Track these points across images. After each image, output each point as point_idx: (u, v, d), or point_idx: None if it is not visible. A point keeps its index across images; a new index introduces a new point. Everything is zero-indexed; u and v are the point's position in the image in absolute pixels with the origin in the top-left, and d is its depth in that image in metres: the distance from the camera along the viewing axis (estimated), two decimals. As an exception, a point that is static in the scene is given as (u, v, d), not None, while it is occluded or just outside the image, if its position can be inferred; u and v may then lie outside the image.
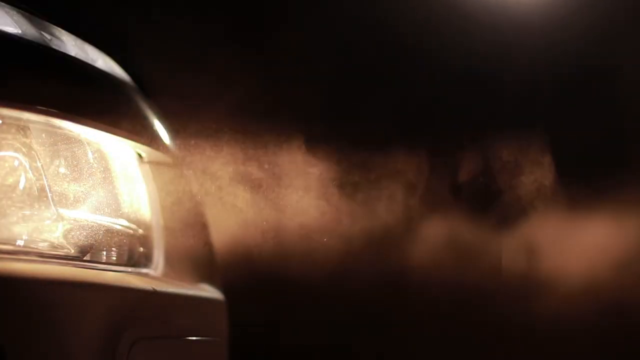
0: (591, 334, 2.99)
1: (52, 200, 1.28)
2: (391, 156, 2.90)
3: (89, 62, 1.44)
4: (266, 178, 2.59)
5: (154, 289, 1.35)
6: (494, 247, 3.09)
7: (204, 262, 1.61)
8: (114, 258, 1.39)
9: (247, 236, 2.53)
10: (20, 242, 1.25)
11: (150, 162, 1.50)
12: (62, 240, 1.30)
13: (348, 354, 2.95)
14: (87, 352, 1.21)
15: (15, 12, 1.36)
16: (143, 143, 1.46)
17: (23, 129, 1.26)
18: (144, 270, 1.44)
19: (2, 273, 1.13)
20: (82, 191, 1.35)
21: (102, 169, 1.39)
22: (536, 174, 3.07)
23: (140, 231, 1.45)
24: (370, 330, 2.94)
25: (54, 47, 1.36)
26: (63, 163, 1.34)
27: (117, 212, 1.40)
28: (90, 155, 1.38)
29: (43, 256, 1.27)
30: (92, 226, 1.35)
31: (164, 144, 1.53)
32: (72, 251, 1.31)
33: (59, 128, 1.31)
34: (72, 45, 1.43)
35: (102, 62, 1.49)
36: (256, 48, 3.11)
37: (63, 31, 1.45)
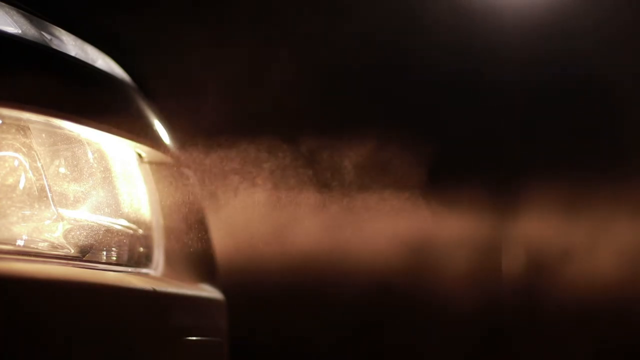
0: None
1: (52, 200, 1.28)
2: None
3: (89, 62, 1.44)
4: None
5: (154, 289, 1.35)
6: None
7: (204, 262, 1.61)
8: (114, 258, 1.39)
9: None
10: (20, 242, 1.25)
11: (150, 162, 1.50)
12: (62, 240, 1.30)
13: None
14: (87, 353, 1.21)
15: (15, 12, 1.36)
16: (143, 143, 1.46)
17: (23, 129, 1.26)
18: (144, 270, 1.44)
19: (2, 273, 1.13)
20: (82, 191, 1.35)
21: (102, 169, 1.39)
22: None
23: (140, 231, 1.45)
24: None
25: (54, 47, 1.36)
26: (63, 163, 1.34)
27: (117, 212, 1.40)
28: (90, 155, 1.38)
29: (43, 256, 1.27)
30: (92, 226, 1.35)
31: (164, 144, 1.53)
32: (72, 251, 1.31)
33: (59, 128, 1.31)
34: (72, 45, 1.43)
35: (102, 62, 1.49)
36: (253, 48, 3.12)
37: (63, 31, 1.45)
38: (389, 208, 2.96)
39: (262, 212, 2.68)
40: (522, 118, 3.34)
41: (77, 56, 1.41)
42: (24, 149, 1.26)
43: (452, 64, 3.28)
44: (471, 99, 3.31)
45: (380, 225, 2.96)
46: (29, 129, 1.27)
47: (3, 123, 1.24)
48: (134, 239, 1.43)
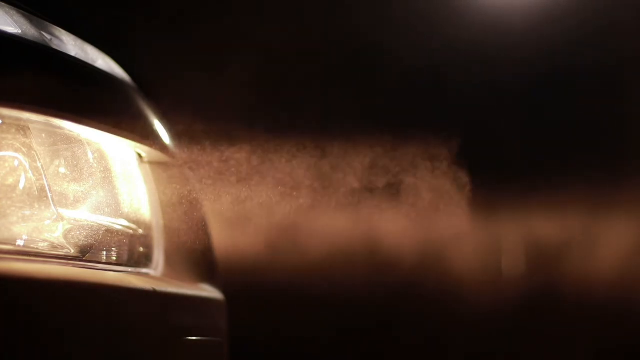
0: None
1: (52, 200, 1.28)
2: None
3: (89, 62, 1.44)
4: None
5: (154, 289, 1.35)
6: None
7: (204, 262, 1.61)
8: (114, 258, 1.39)
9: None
10: (20, 242, 1.25)
11: (150, 162, 1.50)
12: (62, 240, 1.30)
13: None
14: (87, 353, 1.21)
15: (15, 12, 1.36)
16: (143, 143, 1.46)
17: (23, 129, 1.26)
18: (144, 270, 1.44)
19: (2, 273, 1.13)
20: (82, 191, 1.35)
21: (102, 169, 1.39)
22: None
23: (140, 231, 1.45)
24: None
25: (54, 47, 1.36)
26: (63, 163, 1.34)
27: (117, 212, 1.40)
28: (90, 155, 1.38)
29: (43, 256, 1.27)
30: (92, 226, 1.35)
31: (164, 144, 1.53)
32: (72, 251, 1.31)
33: (59, 128, 1.31)
34: (72, 45, 1.43)
35: (102, 62, 1.49)
36: (252, 47, 3.12)
37: (63, 31, 1.45)
38: (388, 208, 2.96)
39: (261, 212, 2.68)
40: (522, 118, 3.34)
41: (77, 56, 1.41)
42: (24, 149, 1.26)
43: (452, 63, 3.28)
44: (471, 99, 3.31)
45: (379, 225, 2.96)
46: (29, 129, 1.27)
47: (3, 123, 1.24)
48: (134, 239, 1.43)
